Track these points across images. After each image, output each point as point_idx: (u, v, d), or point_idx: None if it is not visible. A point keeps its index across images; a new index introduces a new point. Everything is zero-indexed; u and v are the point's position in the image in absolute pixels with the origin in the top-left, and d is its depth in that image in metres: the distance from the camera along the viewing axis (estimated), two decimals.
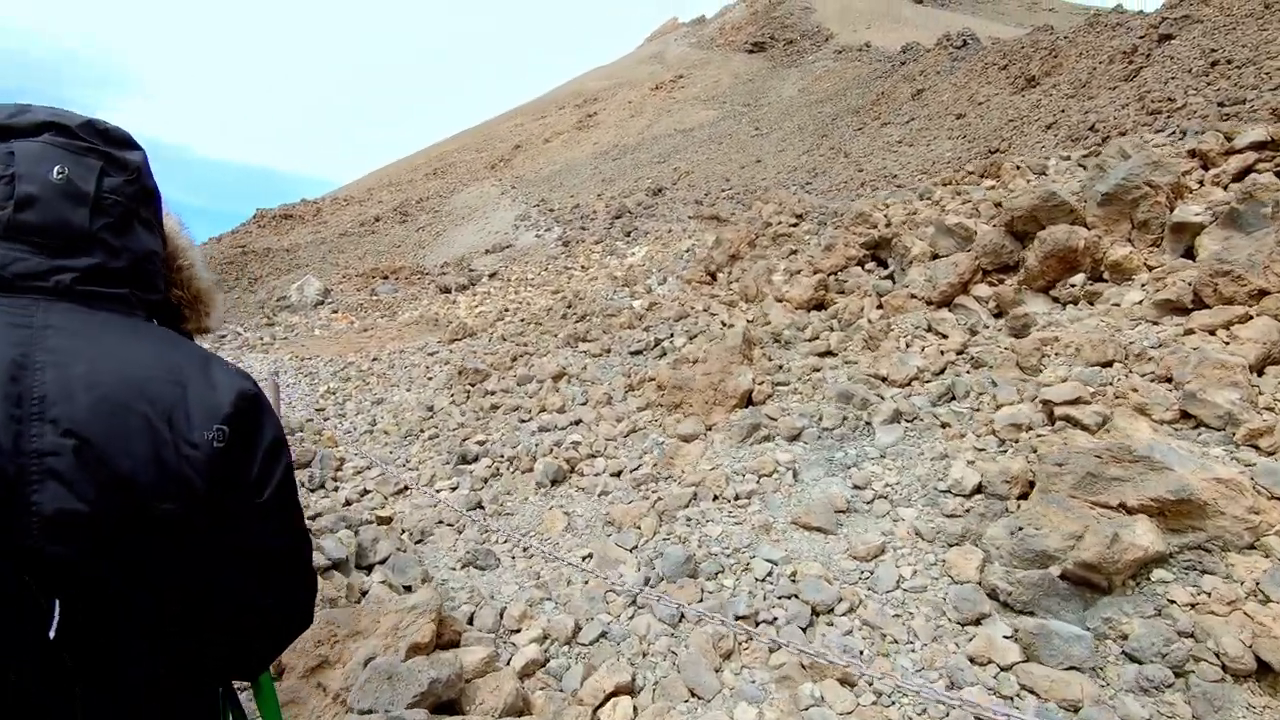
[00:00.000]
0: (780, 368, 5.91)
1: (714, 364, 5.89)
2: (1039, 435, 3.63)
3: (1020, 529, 3.08)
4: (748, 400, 5.58)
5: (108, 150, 0.95)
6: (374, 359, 11.52)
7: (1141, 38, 20.22)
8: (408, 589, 3.74)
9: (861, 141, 26.68)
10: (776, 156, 28.58)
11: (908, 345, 5.28)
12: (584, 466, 5.31)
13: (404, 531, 4.92)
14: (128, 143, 0.99)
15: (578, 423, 6.24)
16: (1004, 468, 3.46)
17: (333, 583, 3.27)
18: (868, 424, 4.62)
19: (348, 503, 5.70)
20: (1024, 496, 3.38)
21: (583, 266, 18.88)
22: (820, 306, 6.99)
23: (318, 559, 3.38)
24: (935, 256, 6.22)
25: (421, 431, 7.51)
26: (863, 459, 4.21)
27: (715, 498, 4.16)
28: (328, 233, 28.99)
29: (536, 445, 5.94)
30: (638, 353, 8.22)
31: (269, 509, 0.96)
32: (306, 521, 3.50)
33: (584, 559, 3.92)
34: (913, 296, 5.84)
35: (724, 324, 7.59)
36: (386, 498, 5.78)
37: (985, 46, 28.55)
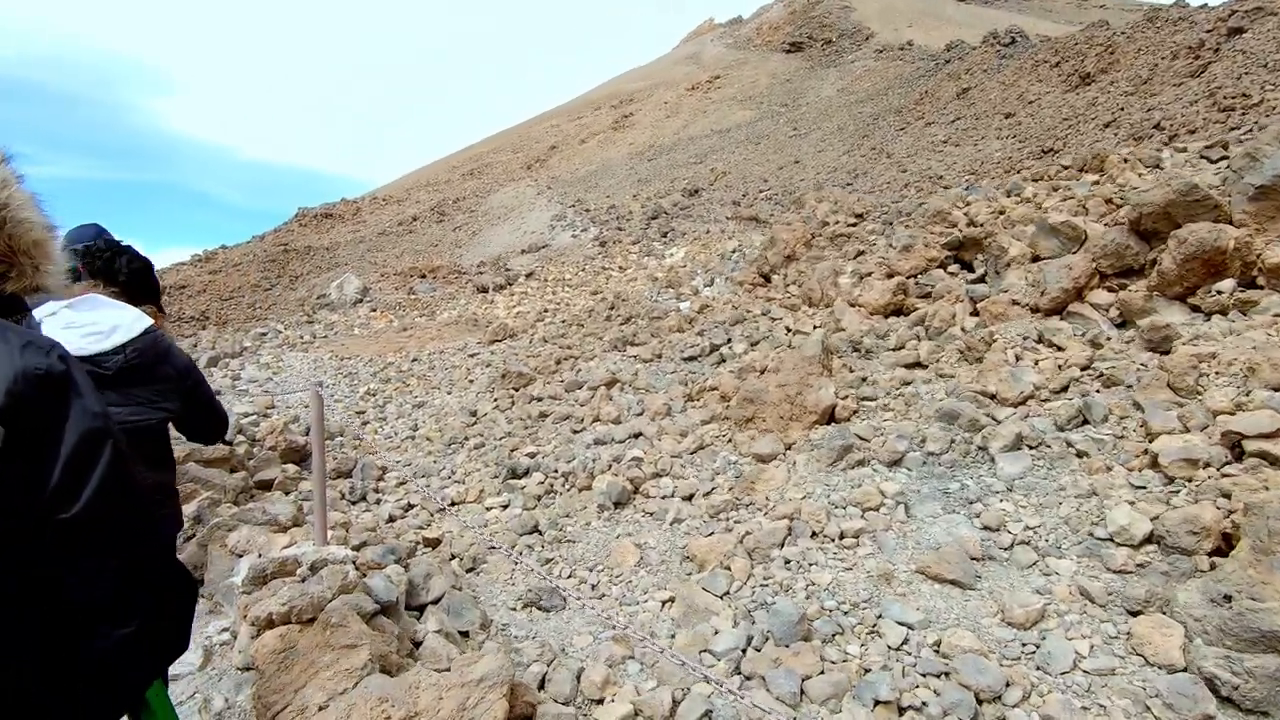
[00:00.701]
0: (864, 380, 5.26)
1: (789, 375, 5.26)
2: (1227, 475, 2.94)
3: (1228, 598, 2.42)
4: (830, 416, 4.95)
5: None
6: (414, 359, 11.10)
7: (1209, 32, 19.01)
8: (464, 635, 3.20)
9: (904, 141, 25.75)
10: (815, 157, 27.78)
11: (1017, 358, 4.60)
12: (649, 487, 4.73)
13: (453, 557, 4.39)
14: None
15: (637, 436, 5.67)
16: (1189, 515, 2.79)
17: (382, 634, 2.74)
18: (982, 449, 3.96)
19: (391, 519, 5.21)
20: (1218, 553, 2.71)
21: (620, 267, 18.43)
22: (899, 312, 6.32)
23: (363, 603, 2.86)
24: (1036, 259, 5.51)
25: (466, 439, 7.01)
26: (986, 493, 3.56)
27: (814, 534, 3.54)
28: (366, 231, 28.95)
29: (593, 460, 5.38)
30: (692, 359, 7.63)
31: (84, 525, 0.73)
32: (342, 548, 2.85)
33: (665, 605, 3.33)
34: (1015, 303, 5.15)
35: (789, 329, 6.96)
36: (432, 515, 5.27)
37: (1035, 44, 27.41)
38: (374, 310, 17.37)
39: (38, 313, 1.90)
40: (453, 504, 5.36)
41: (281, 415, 7.85)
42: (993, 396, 4.40)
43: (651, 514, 4.39)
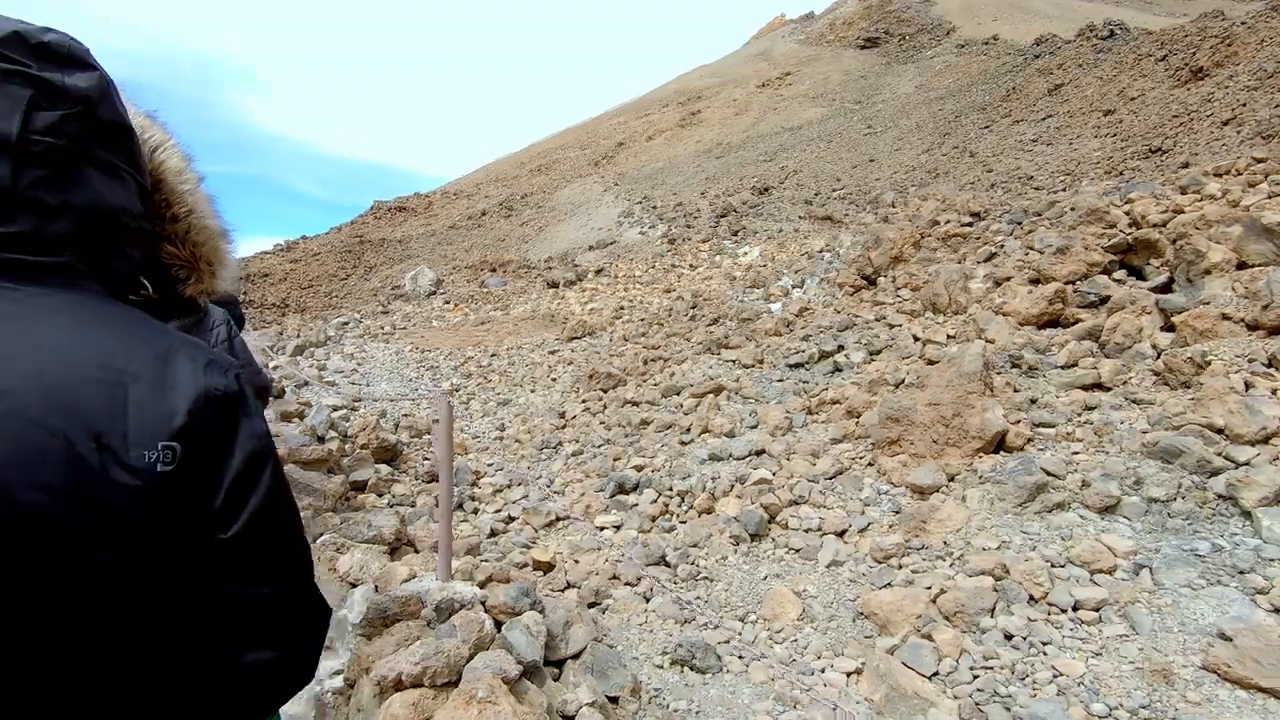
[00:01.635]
0: (1033, 402, 4.48)
1: (942, 392, 4.52)
2: None
3: None
4: (999, 444, 4.20)
5: (42, 74, 0.68)
6: (492, 354, 10.72)
7: None
8: (612, 701, 2.64)
9: (989, 140, 24.26)
10: (892, 156, 26.50)
11: (1247, 385, 3.76)
12: (787, 516, 4.09)
13: (569, 585, 3.86)
14: (75, 61, 0.71)
15: (759, 453, 5.02)
16: None
17: (532, 710, 2.19)
18: (1226, 499, 3.16)
19: (493, 533, 4.71)
20: None
21: (691, 265, 17.84)
22: (1056, 323, 5.48)
23: (505, 664, 2.32)
24: (1242, 265, 4.61)
25: (559, 444, 6.50)
26: (1258, 561, 2.77)
27: (1032, 599, 2.83)
28: (437, 225, 29.10)
29: (712, 479, 4.77)
30: (798, 365, 6.93)
31: (240, 548, 0.72)
32: (469, 585, 2.45)
33: (852, 677, 2.69)
34: (1225, 317, 4.28)
35: (918, 338, 6.18)
36: (537, 531, 4.75)
37: (1136, 37, 25.44)
38: (447, 302, 17.20)
39: None
40: (557, 520, 4.84)
41: (370, 409, 7.52)
42: (1220, 431, 3.57)
43: (798, 551, 3.75)
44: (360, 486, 5.31)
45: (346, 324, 13.07)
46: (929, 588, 3.02)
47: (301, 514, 3.45)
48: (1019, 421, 4.25)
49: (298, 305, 21.55)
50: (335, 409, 6.76)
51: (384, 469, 5.68)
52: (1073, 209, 7.49)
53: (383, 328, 12.67)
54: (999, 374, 4.78)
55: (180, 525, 0.69)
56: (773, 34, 39.49)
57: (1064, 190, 14.35)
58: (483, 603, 2.73)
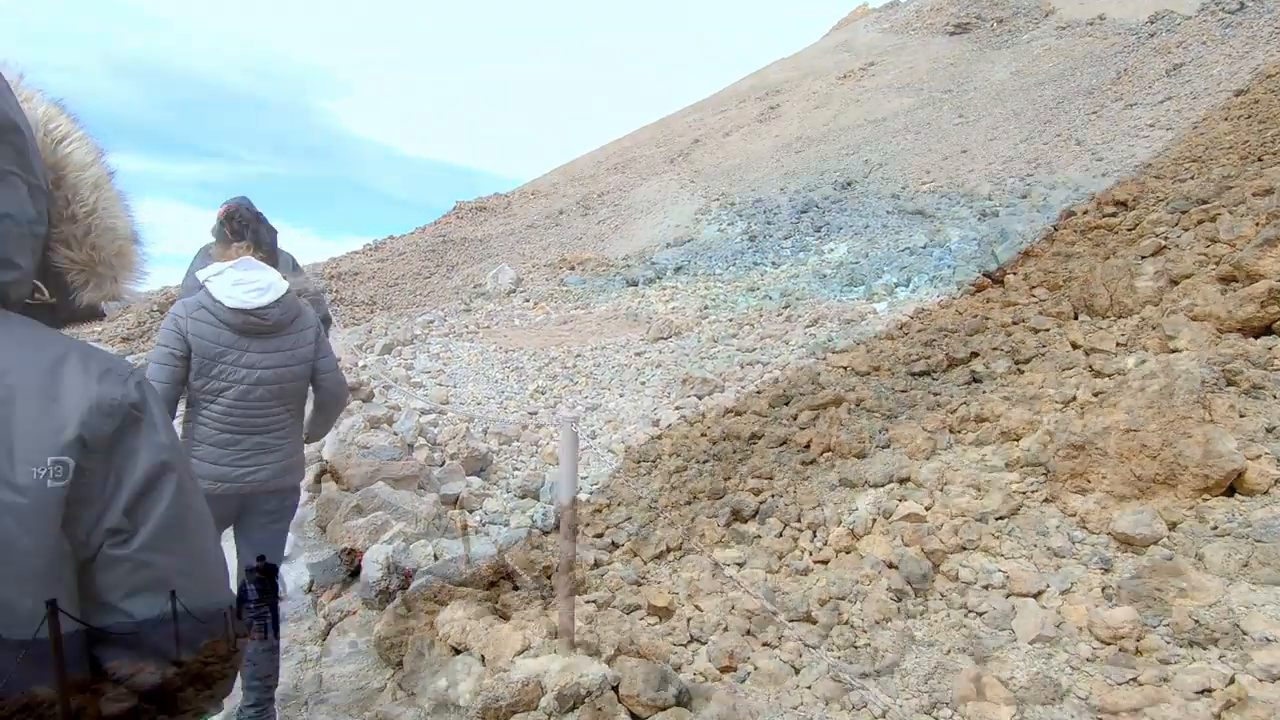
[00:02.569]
0: (1269, 431, 3.50)
1: (1142, 415, 3.60)
2: None
3: None
4: (1232, 486, 3.27)
5: None
6: (577, 355, 10.23)
7: None
8: None
9: (1099, 126, 22.04)
10: (986, 146, 24.55)
11: None
12: (956, 566, 3.29)
13: (693, 640, 3.22)
14: None
15: (903, 481, 4.22)
16: None
17: None
18: None
19: (596, 564, 4.13)
20: None
21: (773, 262, 16.92)
22: (1269, 330, 4.41)
23: None
24: None
25: (657, 457, 5.88)
26: None
27: None
28: (516, 224, 29.16)
29: (850, 511, 4.01)
30: (922, 374, 6.04)
31: (141, 564, 0.69)
32: (596, 664, 1.94)
33: None
34: None
35: (1079, 346, 5.19)
36: (646, 563, 4.14)
37: (1273, 9, 22.60)
38: (528, 300, 16.94)
39: (203, 273, 2.10)
40: (669, 549, 4.20)
41: (457, 413, 7.14)
42: None
43: (982, 616, 2.96)
44: (451, 501, 4.86)
45: (431, 322, 12.94)
46: (1204, 693, 2.19)
47: (393, 548, 2.92)
48: (1258, 456, 3.29)
49: (384, 303, 21.89)
50: (424, 414, 6.38)
51: (475, 481, 5.22)
52: (1257, 194, 6.26)
53: (466, 326, 12.45)
54: (1215, 393, 3.80)
55: (75, 540, 0.65)
56: (854, 24, 37.59)
57: (1191, 179, 12.66)
58: (614, 688, 2.12)
